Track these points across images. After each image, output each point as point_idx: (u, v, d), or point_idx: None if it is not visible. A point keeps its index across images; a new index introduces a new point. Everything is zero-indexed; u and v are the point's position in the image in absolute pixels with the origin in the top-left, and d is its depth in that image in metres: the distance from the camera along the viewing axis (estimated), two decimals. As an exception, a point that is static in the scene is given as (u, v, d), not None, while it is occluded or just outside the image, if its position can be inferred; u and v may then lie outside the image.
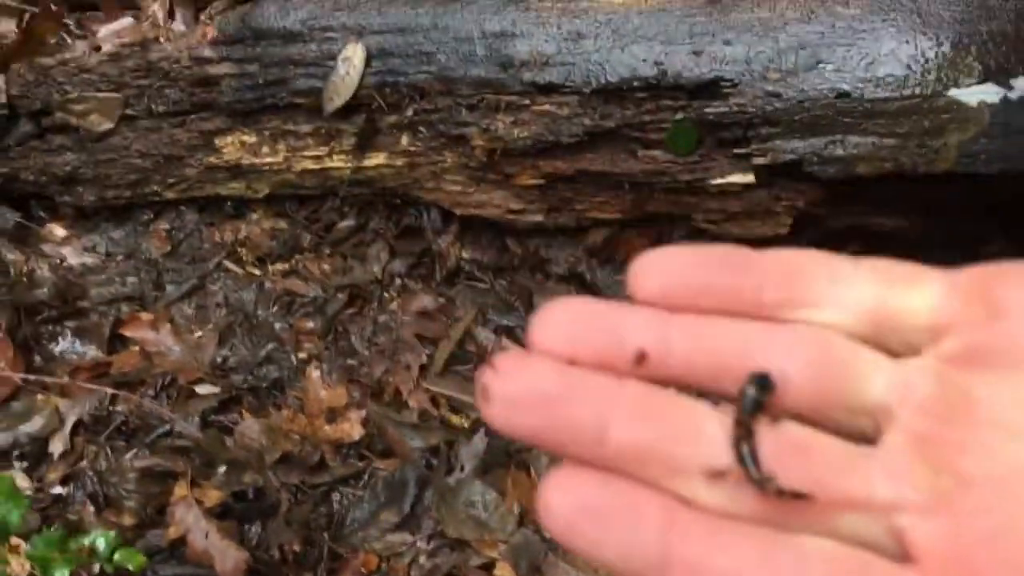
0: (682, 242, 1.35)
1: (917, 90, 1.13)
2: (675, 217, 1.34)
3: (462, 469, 1.25)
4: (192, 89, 1.38)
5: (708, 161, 1.25)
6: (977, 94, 1.11)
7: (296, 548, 1.20)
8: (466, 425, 1.30)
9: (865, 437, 0.44)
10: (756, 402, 0.42)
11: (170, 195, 1.46)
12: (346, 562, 1.21)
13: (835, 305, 0.44)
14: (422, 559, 1.21)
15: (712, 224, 1.32)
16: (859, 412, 0.43)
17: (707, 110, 1.21)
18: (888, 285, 0.44)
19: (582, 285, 1.37)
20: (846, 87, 1.15)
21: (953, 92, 1.12)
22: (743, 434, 0.42)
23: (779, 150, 1.19)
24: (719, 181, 1.26)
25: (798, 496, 0.41)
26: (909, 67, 1.14)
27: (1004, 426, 0.41)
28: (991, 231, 1.28)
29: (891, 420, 0.43)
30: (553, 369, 0.41)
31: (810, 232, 1.31)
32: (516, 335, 1.35)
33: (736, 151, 1.23)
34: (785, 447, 0.42)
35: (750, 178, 1.24)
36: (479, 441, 1.26)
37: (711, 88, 1.21)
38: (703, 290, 0.44)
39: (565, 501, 0.39)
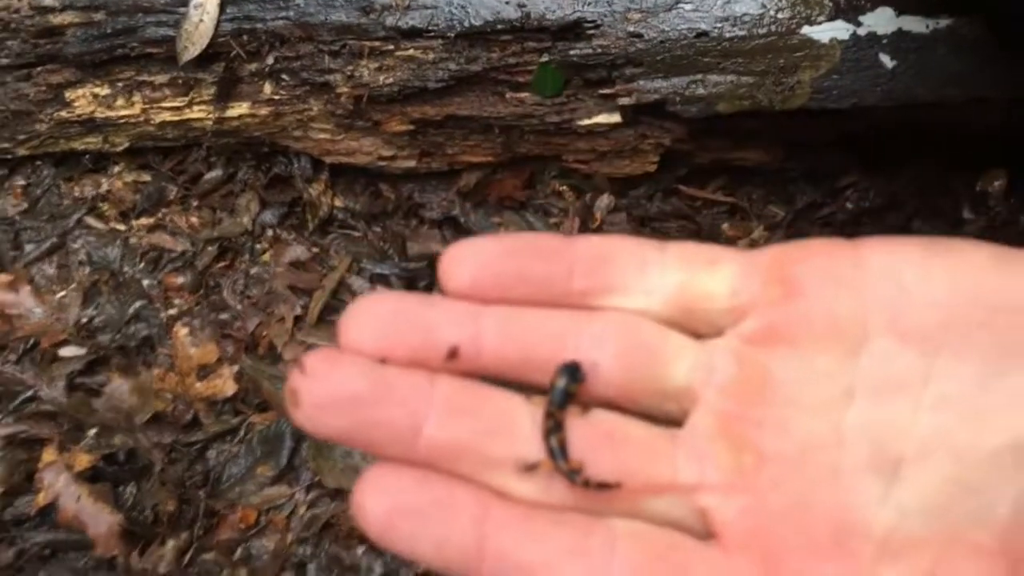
0: (554, 181, 1.36)
1: (772, 28, 1.15)
2: (546, 158, 1.34)
3: (339, 420, 1.24)
4: (36, 40, 1.31)
5: (575, 102, 1.25)
6: (828, 31, 1.14)
7: (171, 508, 1.18)
8: (343, 375, 1.29)
9: (673, 420, 0.45)
10: (565, 393, 0.43)
11: (22, 151, 1.39)
12: (224, 518, 1.20)
13: (643, 291, 0.45)
14: (301, 510, 1.21)
15: (582, 164, 1.33)
16: (666, 396, 0.45)
17: (571, 52, 1.21)
18: (692, 270, 0.46)
19: (456, 229, 1.37)
20: (704, 27, 1.16)
21: (806, 30, 1.14)
22: (553, 427, 0.43)
23: (643, 90, 1.20)
24: (586, 122, 1.26)
25: (605, 486, 0.42)
26: (764, 5, 1.15)
27: (798, 402, 0.43)
28: (848, 164, 1.31)
29: (696, 402, 0.44)
30: (363, 369, 0.41)
31: (678, 168, 1.34)
32: (390, 283, 1.34)
33: (602, 92, 1.24)
34: (594, 437, 0.44)
35: (616, 118, 1.25)
36: (356, 391, 1.25)
37: (574, 29, 1.20)
38: (514, 281, 0.44)
39: (380, 502, 0.40)
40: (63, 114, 1.36)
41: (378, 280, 1.35)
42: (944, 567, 0.39)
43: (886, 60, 1.12)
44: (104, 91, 1.34)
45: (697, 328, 0.46)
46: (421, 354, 0.43)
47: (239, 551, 1.18)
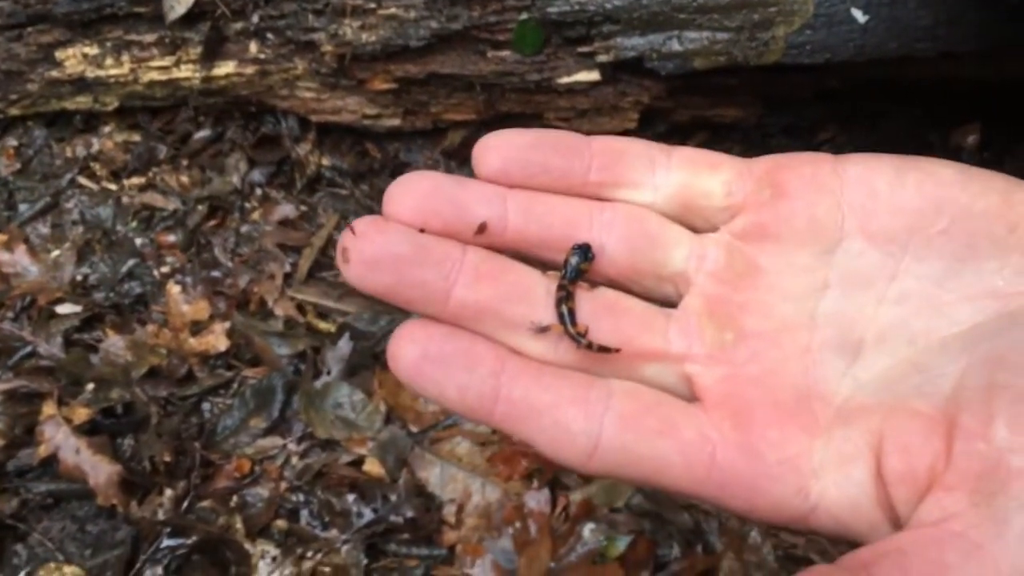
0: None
1: (746, -16, 1.16)
2: (528, 116, 1.36)
3: (329, 373, 1.28)
4: (26, 1, 1.33)
5: (555, 60, 1.27)
6: (802, -13, 1.15)
7: (168, 458, 1.22)
8: (332, 330, 1.32)
9: (669, 302, 0.52)
10: (576, 269, 0.50)
11: (14, 111, 1.42)
12: (219, 468, 1.24)
13: (650, 187, 0.52)
14: (294, 460, 1.25)
15: (564, 121, 1.35)
16: (664, 279, 0.52)
17: (550, 9, 1.22)
18: (694, 171, 0.52)
19: (441, 187, 1.39)
20: (680, -17, 1.18)
21: (779, -14, 1.15)
22: (564, 296, 0.50)
23: (620, 47, 1.22)
24: (566, 80, 1.28)
25: (606, 349, 0.49)
26: (739, -39, 1.16)
27: (779, 289, 0.49)
28: (824, 118, 1.34)
29: (689, 286, 0.51)
30: (406, 234, 0.47)
31: (658, 125, 1.36)
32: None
33: (581, 50, 1.25)
34: (600, 307, 0.50)
35: (595, 75, 1.27)
36: (344, 345, 1.29)
37: (553, -14, 1.22)
38: (538, 169, 0.50)
39: (412, 350, 0.47)
40: (54, 74, 1.38)
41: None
42: (890, 428, 0.44)
43: (858, 15, 1.14)
44: (93, 51, 1.36)
45: (695, 223, 0.52)
46: (454, 227, 0.49)
47: (234, 499, 1.23)
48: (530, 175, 0.50)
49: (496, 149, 0.50)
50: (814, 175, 0.50)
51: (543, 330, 0.49)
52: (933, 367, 0.45)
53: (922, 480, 0.41)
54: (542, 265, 0.51)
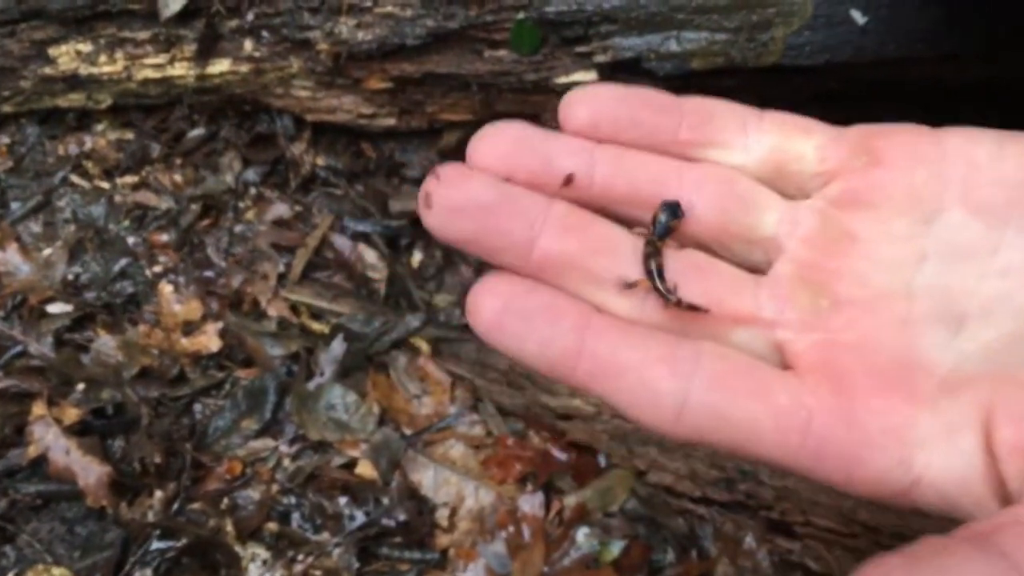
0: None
1: (745, -15, 1.16)
2: (525, 117, 1.34)
3: (322, 374, 1.27)
4: (19, -4, 1.32)
5: (552, 60, 1.26)
6: (801, -12, 1.14)
7: (158, 460, 1.21)
8: (326, 331, 1.31)
9: (758, 268, 0.50)
10: (666, 227, 0.48)
11: (7, 109, 1.41)
12: (210, 470, 1.23)
13: (741, 149, 0.50)
14: (286, 462, 1.24)
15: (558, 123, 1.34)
16: (754, 243, 0.50)
17: (547, 9, 1.21)
18: (786, 136, 0.51)
19: (437, 188, 1.38)
20: (678, -17, 1.17)
21: (779, -14, 1.15)
22: (652, 252, 0.48)
23: (618, 47, 1.21)
24: (564, 80, 1.27)
25: (696, 308, 0.47)
26: (738, -38, 1.15)
27: (875, 258, 0.48)
28: (824, 120, 1.32)
29: (780, 252, 0.49)
30: (491, 183, 0.46)
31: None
32: (372, 240, 1.36)
33: (578, 50, 1.24)
34: (688, 267, 0.49)
35: (593, 76, 1.26)
36: (338, 346, 1.28)
37: (550, -14, 1.21)
38: (627, 125, 0.49)
39: (493, 303, 0.45)
40: (47, 71, 1.37)
41: (360, 238, 1.37)
42: (1000, 399, 0.42)
43: (857, 16, 1.13)
44: (87, 48, 1.34)
45: (786, 189, 0.51)
46: (540, 178, 0.47)
47: (225, 501, 1.22)
48: (619, 130, 0.49)
49: (585, 102, 0.49)
50: (913, 144, 0.49)
51: (630, 286, 0.47)
52: None
53: None
54: (627, 223, 0.50)
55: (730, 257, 0.50)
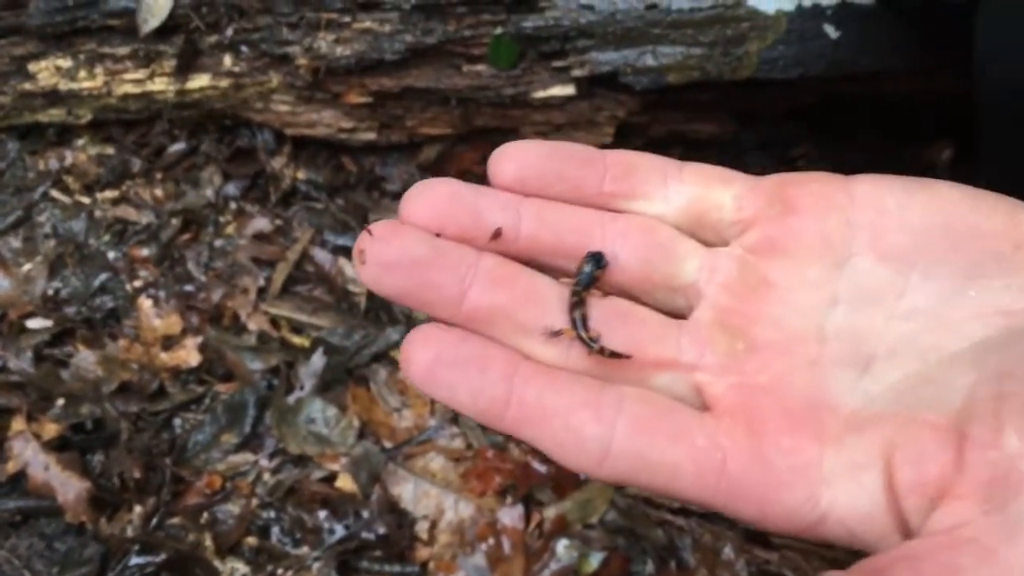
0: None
1: (719, 0, 1.17)
2: (504, 131, 1.36)
3: (302, 388, 1.27)
4: (-2, 12, 1.32)
5: (530, 75, 1.27)
6: (774, 3, 1.16)
7: (138, 475, 1.21)
8: (306, 345, 1.31)
9: (680, 313, 0.52)
10: (590, 276, 0.50)
11: (-14, 124, 1.41)
12: (190, 484, 1.23)
13: (662, 199, 0.53)
14: (265, 476, 1.24)
15: (540, 136, 1.34)
16: (676, 290, 0.52)
17: (525, 24, 1.23)
18: (706, 186, 0.53)
19: (417, 201, 1.39)
20: (654, -2, 1.18)
21: (752, 2, 1.16)
22: (577, 302, 0.50)
23: (595, 62, 1.22)
24: (542, 94, 1.28)
25: (618, 355, 0.49)
26: (712, -23, 1.17)
27: (789, 302, 0.50)
28: (799, 134, 1.34)
29: (700, 297, 0.51)
30: (422, 238, 0.48)
31: (634, 140, 1.36)
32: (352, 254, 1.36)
33: (556, 64, 1.25)
34: (612, 315, 0.51)
35: (570, 90, 1.27)
36: (318, 360, 1.28)
37: (527, 1, 1.22)
38: (552, 179, 0.51)
39: (426, 354, 0.47)
40: (27, 86, 1.37)
41: (340, 251, 1.37)
42: (902, 438, 0.44)
43: (830, 31, 1.14)
44: (67, 63, 1.35)
45: (705, 237, 0.53)
46: (470, 233, 0.49)
47: (205, 516, 1.21)
48: (545, 184, 0.51)
49: (513, 158, 0.51)
50: (824, 192, 0.50)
51: (556, 334, 0.49)
52: (943, 380, 0.45)
53: (934, 490, 0.42)
54: (554, 273, 0.51)
55: (653, 303, 0.52)
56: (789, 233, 0.50)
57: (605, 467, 0.46)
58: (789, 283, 0.50)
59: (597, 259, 0.50)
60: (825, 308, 0.49)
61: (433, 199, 0.49)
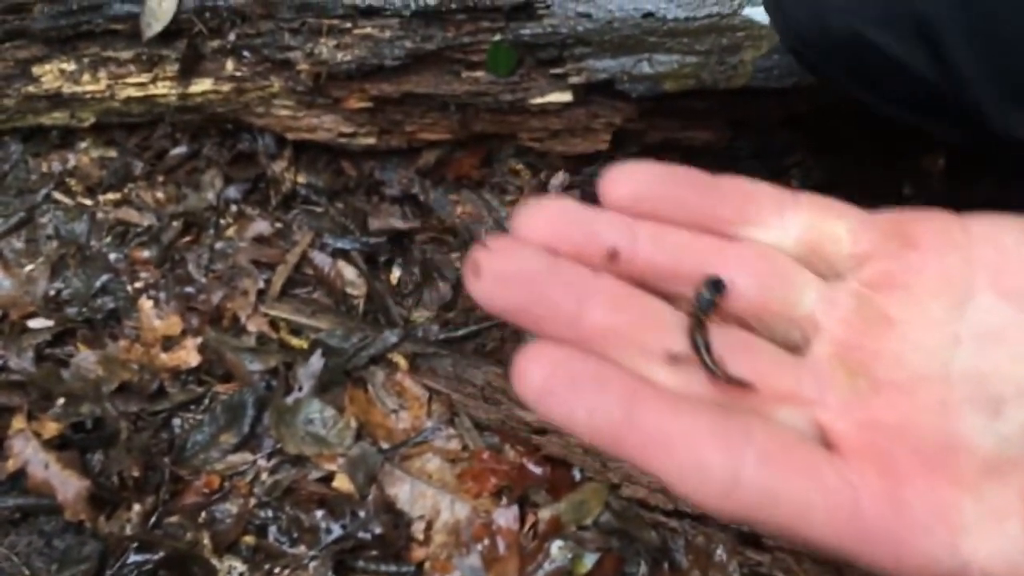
0: (510, 160, 1.39)
1: (715, 9, 1.19)
2: (502, 137, 1.38)
3: (300, 389, 1.29)
4: (3, 16, 1.34)
5: (528, 81, 1.29)
6: (769, 12, 1.17)
7: (137, 474, 1.22)
8: (305, 346, 1.33)
9: (795, 347, 0.50)
10: (710, 301, 0.48)
11: (-10, 126, 1.42)
12: (188, 484, 1.24)
13: (779, 227, 0.50)
14: (263, 476, 1.25)
15: (537, 142, 1.36)
16: (793, 322, 0.50)
17: (523, 31, 1.24)
18: (821, 217, 0.50)
19: (416, 206, 1.40)
20: (650, 7, 1.20)
21: (747, 11, 1.18)
22: (698, 326, 0.48)
23: (592, 69, 1.24)
24: (539, 100, 1.30)
25: (742, 383, 0.47)
26: (708, -13, 1.19)
27: (911, 340, 0.48)
28: (795, 143, 1.36)
29: (817, 331, 0.49)
30: (539, 254, 0.46)
31: (630, 147, 1.37)
32: (351, 257, 1.38)
33: (553, 71, 1.27)
34: (730, 344, 0.48)
35: (568, 97, 1.28)
36: (316, 361, 1.29)
37: (526, 9, 1.24)
38: (668, 202, 0.49)
39: (541, 370, 0.44)
40: (30, 89, 1.39)
41: (339, 255, 1.38)
42: None
43: (824, 41, 1.15)
44: (70, 67, 1.37)
45: (820, 269, 0.51)
46: (584, 252, 0.47)
47: (203, 515, 1.23)
48: (659, 207, 0.49)
49: (628, 180, 0.49)
50: (943, 229, 0.49)
51: (677, 359, 0.47)
52: None
53: None
54: (667, 298, 0.49)
55: (769, 335, 0.50)
56: (909, 269, 0.48)
57: (731, 500, 0.43)
58: (910, 320, 0.48)
59: (717, 284, 0.48)
60: (949, 347, 0.47)
61: (547, 215, 0.47)
